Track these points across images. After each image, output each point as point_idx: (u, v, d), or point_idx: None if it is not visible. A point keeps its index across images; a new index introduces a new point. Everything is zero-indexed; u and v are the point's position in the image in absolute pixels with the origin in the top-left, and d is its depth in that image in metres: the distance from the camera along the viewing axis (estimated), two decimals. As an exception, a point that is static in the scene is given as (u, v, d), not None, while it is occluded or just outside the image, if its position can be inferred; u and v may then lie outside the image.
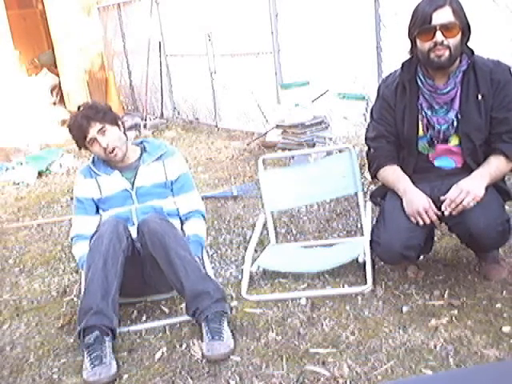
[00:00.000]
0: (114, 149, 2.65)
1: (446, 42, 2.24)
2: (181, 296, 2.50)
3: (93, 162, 2.79)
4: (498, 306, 2.32)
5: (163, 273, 2.46)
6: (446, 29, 2.23)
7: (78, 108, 2.69)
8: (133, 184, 2.72)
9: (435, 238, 2.80)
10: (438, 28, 2.23)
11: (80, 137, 2.64)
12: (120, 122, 2.74)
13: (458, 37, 2.26)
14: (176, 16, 7.44)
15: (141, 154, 2.79)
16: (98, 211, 2.78)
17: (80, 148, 2.74)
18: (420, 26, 2.26)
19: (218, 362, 2.18)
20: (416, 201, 2.35)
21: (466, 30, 2.29)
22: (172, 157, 2.81)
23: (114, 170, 2.75)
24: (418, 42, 2.32)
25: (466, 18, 2.28)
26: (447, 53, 2.26)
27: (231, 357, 2.20)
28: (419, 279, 2.61)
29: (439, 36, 2.23)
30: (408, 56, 2.44)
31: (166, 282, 2.56)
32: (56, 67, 9.33)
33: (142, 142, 2.84)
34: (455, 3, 2.24)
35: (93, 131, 2.61)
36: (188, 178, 2.84)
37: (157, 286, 2.67)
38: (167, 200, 2.76)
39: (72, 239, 2.76)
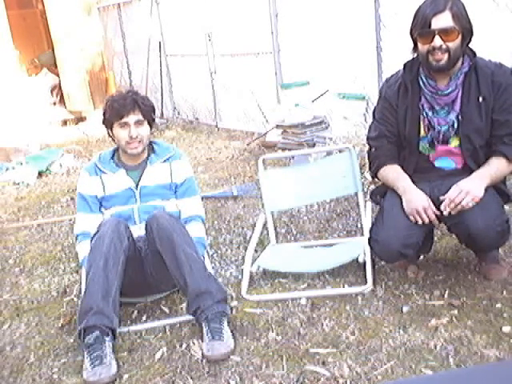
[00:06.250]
0: (139, 142, 2.66)
1: (444, 46, 2.24)
2: (183, 293, 2.50)
3: (99, 158, 2.79)
4: (498, 305, 2.32)
5: (165, 271, 2.46)
6: (444, 33, 2.23)
7: (128, 91, 2.69)
8: (137, 183, 2.73)
9: (435, 238, 2.80)
10: (436, 32, 2.23)
11: (116, 115, 2.63)
12: (153, 127, 2.77)
13: (458, 41, 2.26)
14: (176, 16, 7.44)
15: (148, 155, 2.79)
16: (101, 209, 2.78)
17: (103, 123, 2.71)
18: (420, 29, 2.27)
19: (218, 362, 2.18)
20: (415, 200, 2.35)
21: (466, 33, 2.28)
22: (179, 160, 2.82)
23: (119, 168, 2.75)
24: (418, 43, 2.32)
25: (467, 20, 2.27)
26: (446, 57, 2.27)
27: (231, 357, 2.20)
28: (419, 279, 2.61)
29: (438, 41, 2.24)
30: (410, 56, 2.44)
31: (168, 281, 2.56)
32: (56, 67, 9.33)
33: (150, 143, 2.84)
34: (456, 7, 2.23)
35: (132, 118, 2.62)
36: (193, 183, 2.86)
37: (158, 284, 2.68)
38: (169, 201, 2.76)
39: (77, 237, 2.76)
